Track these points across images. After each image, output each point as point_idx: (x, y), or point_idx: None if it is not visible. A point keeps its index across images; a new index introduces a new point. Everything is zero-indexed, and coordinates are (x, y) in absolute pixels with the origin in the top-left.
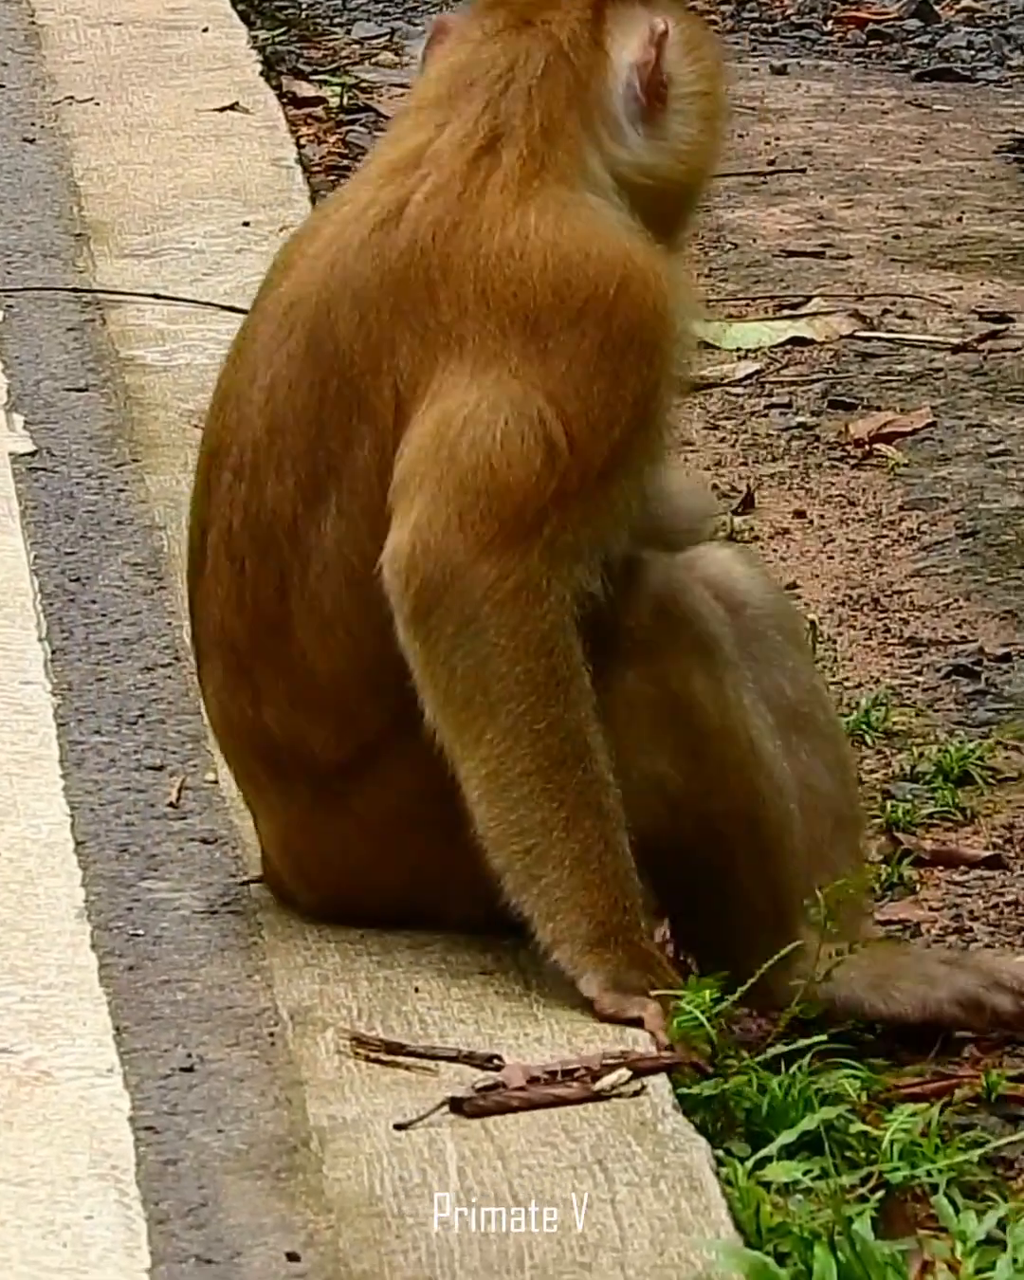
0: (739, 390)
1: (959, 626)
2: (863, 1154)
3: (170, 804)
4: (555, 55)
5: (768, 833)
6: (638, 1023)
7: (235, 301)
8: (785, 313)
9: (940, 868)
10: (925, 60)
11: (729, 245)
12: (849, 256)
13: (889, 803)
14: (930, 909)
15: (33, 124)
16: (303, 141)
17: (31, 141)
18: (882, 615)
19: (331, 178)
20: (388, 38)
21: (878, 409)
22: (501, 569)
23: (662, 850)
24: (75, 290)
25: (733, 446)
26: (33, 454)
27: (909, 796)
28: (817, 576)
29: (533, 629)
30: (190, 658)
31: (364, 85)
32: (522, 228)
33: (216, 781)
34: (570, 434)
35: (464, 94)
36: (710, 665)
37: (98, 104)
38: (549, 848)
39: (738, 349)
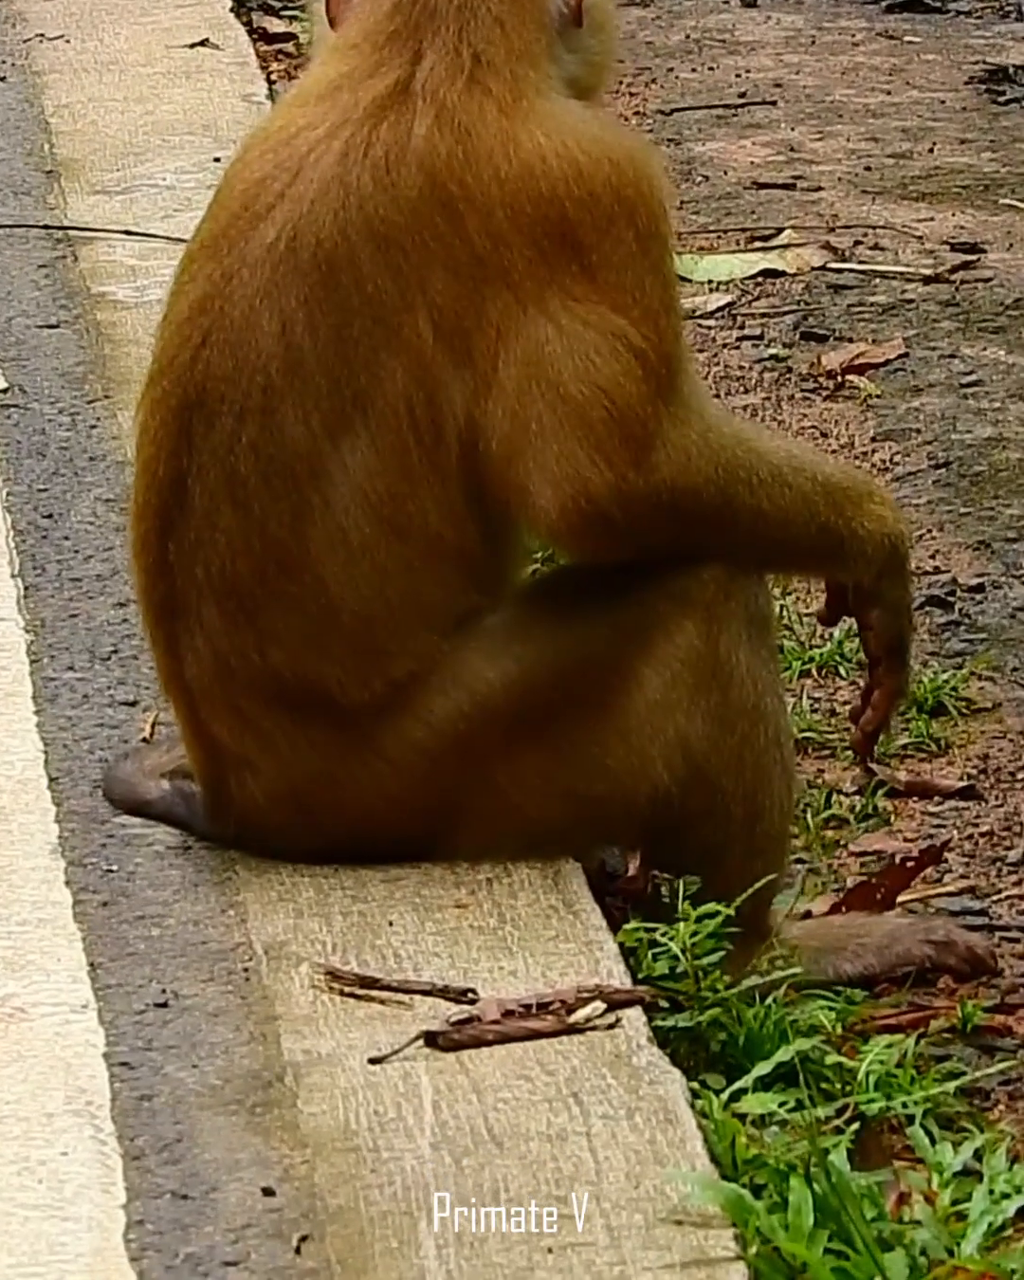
0: (711, 322)
1: (932, 557)
2: (839, 1085)
3: (144, 739)
4: None
5: (765, 826)
6: None
7: None
8: (757, 245)
9: (915, 798)
10: None
11: (700, 178)
12: (820, 188)
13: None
14: (905, 840)
15: (3, 62)
16: (273, 77)
17: (2, 79)
18: None
19: None
20: None
21: (850, 340)
22: (647, 475)
23: (663, 805)
24: (46, 227)
25: (706, 379)
26: (5, 391)
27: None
28: None
29: (700, 478)
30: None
31: None
32: (533, 146)
33: None
34: (644, 333)
35: (428, 25)
36: (757, 643)
37: (68, 41)
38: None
39: (709, 281)
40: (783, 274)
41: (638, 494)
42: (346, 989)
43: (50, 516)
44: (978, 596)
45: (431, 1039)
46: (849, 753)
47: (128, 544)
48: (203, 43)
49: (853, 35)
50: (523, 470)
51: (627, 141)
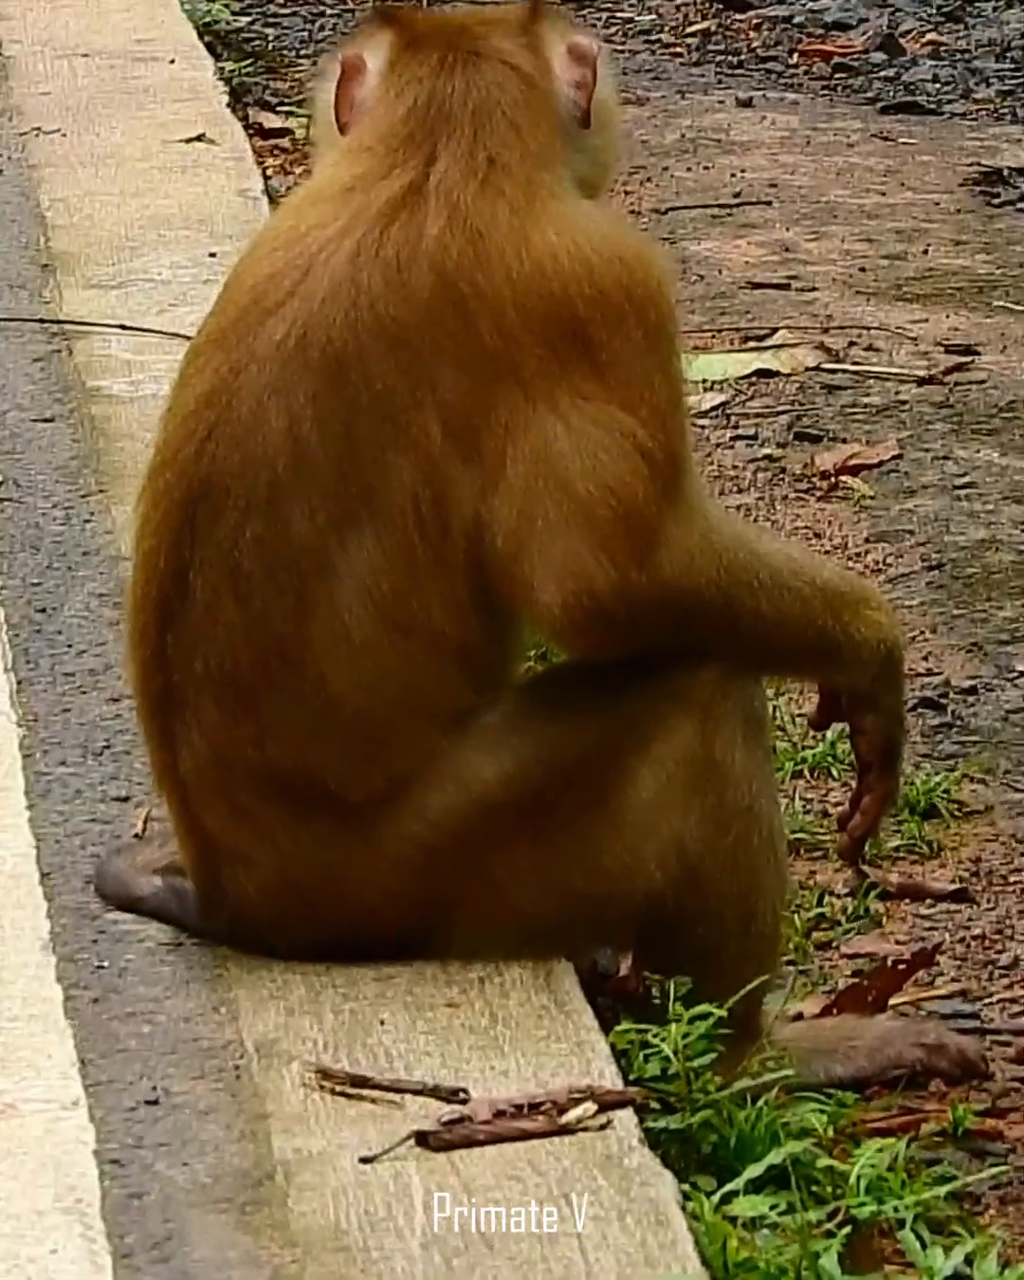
0: (705, 422)
1: (925, 659)
2: (829, 1188)
3: (136, 835)
4: (525, 84)
5: (759, 927)
6: None
7: None
8: (751, 345)
9: (907, 901)
10: (891, 93)
11: (695, 277)
12: (815, 288)
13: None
14: (896, 942)
15: (0, 155)
16: (269, 172)
17: None
18: None
19: None
20: None
21: (844, 441)
22: (650, 573)
23: (657, 905)
24: (42, 321)
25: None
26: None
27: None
28: None
29: (702, 579)
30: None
31: None
32: (545, 245)
33: None
34: (651, 432)
35: (444, 128)
36: (753, 744)
37: (64, 135)
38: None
39: (703, 380)
40: (777, 374)
41: (641, 592)
42: (338, 1088)
43: (44, 611)
44: (970, 699)
45: (423, 1138)
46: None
47: (125, 636)
48: (199, 137)
49: (848, 136)
50: (527, 566)
51: (635, 240)
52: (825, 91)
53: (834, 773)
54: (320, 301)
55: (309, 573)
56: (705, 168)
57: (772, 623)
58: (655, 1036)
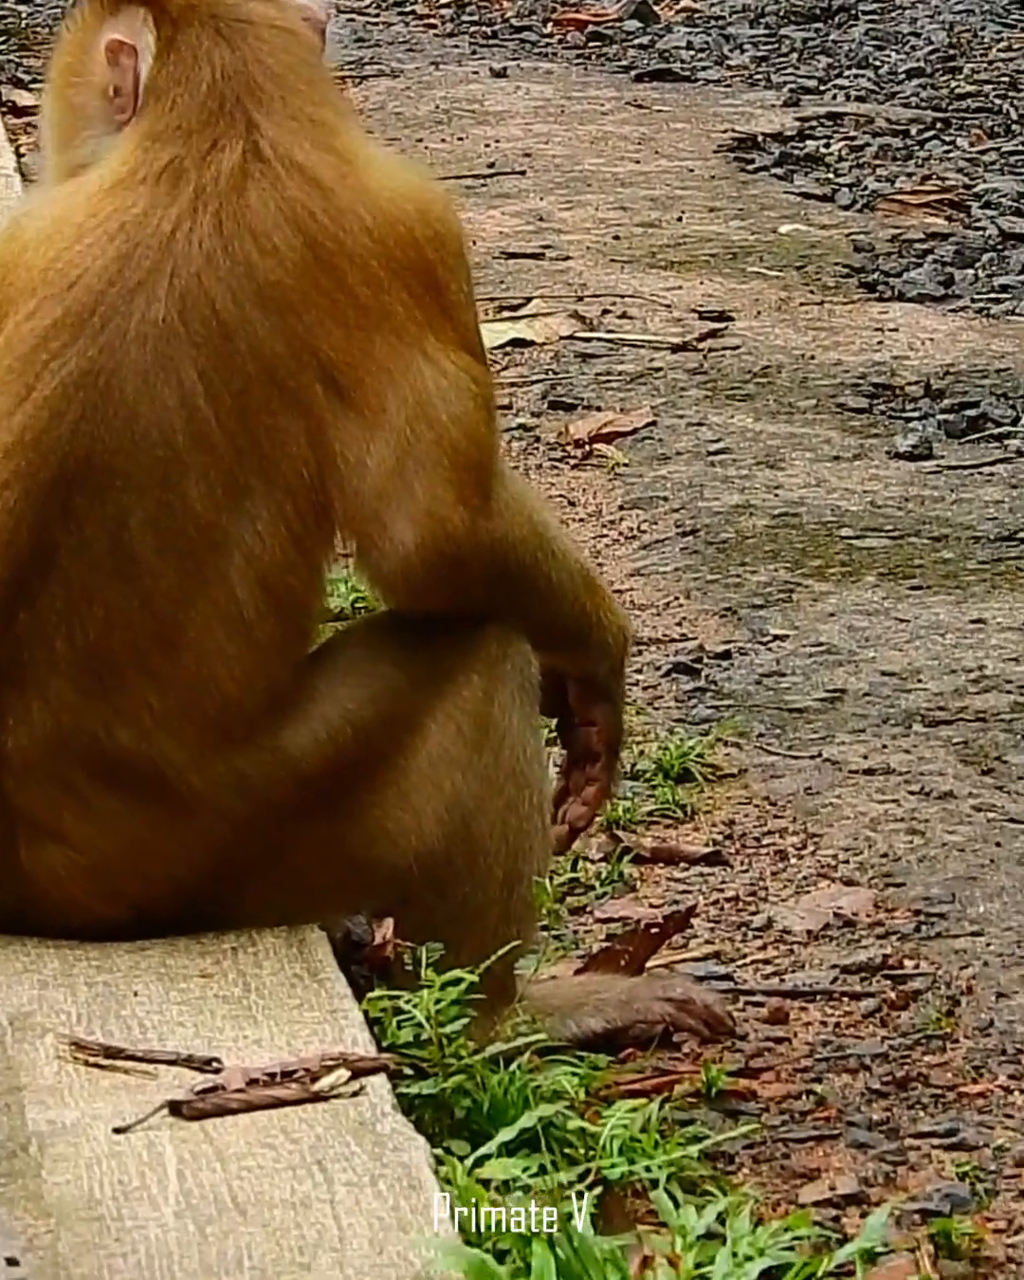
0: None
1: (679, 624)
2: (582, 1150)
3: None
4: (302, 45)
5: (522, 891)
6: None
7: None
8: (506, 314)
9: (661, 864)
10: (645, 61)
11: None
12: (569, 257)
13: (609, 800)
14: (651, 906)
15: None
16: (22, 150)
17: None
18: None
19: None
20: None
21: (598, 409)
22: (487, 520)
23: (427, 864)
24: None
25: None
26: None
27: (630, 794)
28: None
29: (520, 532)
30: None
31: None
32: (386, 194)
33: None
34: (487, 377)
35: (251, 98)
36: (528, 709)
37: None
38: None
39: None
40: (532, 343)
41: (481, 538)
42: (91, 1059)
43: None
44: (724, 663)
45: (176, 1108)
46: (598, 821)
47: None
48: None
49: (602, 104)
50: (393, 507)
51: (432, 181)
52: (579, 60)
53: None
54: (195, 275)
55: (202, 550)
56: (459, 138)
57: (553, 591)
58: (408, 1003)
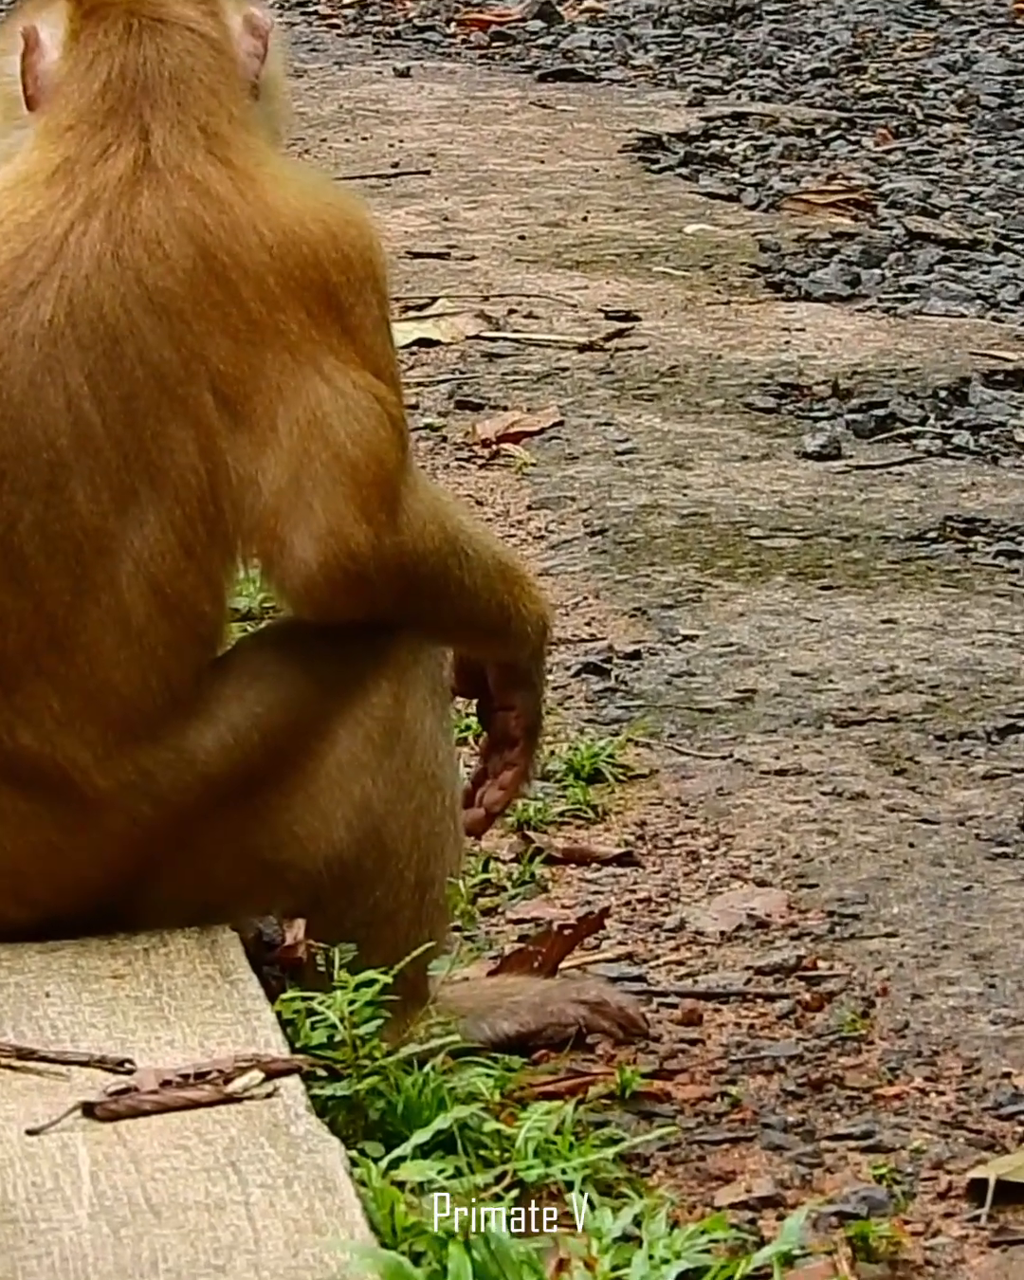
0: None
1: (589, 624)
2: (498, 1152)
3: None
4: (215, 51)
5: (434, 894)
6: None
7: None
8: (411, 314)
9: (572, 865)
10: (549, 61)
11: None
12: (474, 257)
13: (520, 801)
14: (563, 907)
15: None
16: None
17: None
18: None
19: None
20: None
21: (505, 409)
22: (394, 536)
23: (337, 867)
24: None
25: None
26: None
27: (541, 795)
28: None
29: (431, 543)
30: None
31: None
32: (288, 212)
33: None
34: (395, 396)
35: (145, 100)
36: (439, 713)
37: None
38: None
39: None
40: (438, 343)
41: (388, 554)
42: (3, 1061)
43: None
44: (634, 663)
45: (89, 1109)
46: (508, 821)
47: None
48: None
49: (506, 104)
50: (289, 525)
51: (354, 203)
52: (483, 60)
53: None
54: (84, 278)
55: (90, 554)
56: (364, 138)
57: (470, 593)
58: (321, 1004)
